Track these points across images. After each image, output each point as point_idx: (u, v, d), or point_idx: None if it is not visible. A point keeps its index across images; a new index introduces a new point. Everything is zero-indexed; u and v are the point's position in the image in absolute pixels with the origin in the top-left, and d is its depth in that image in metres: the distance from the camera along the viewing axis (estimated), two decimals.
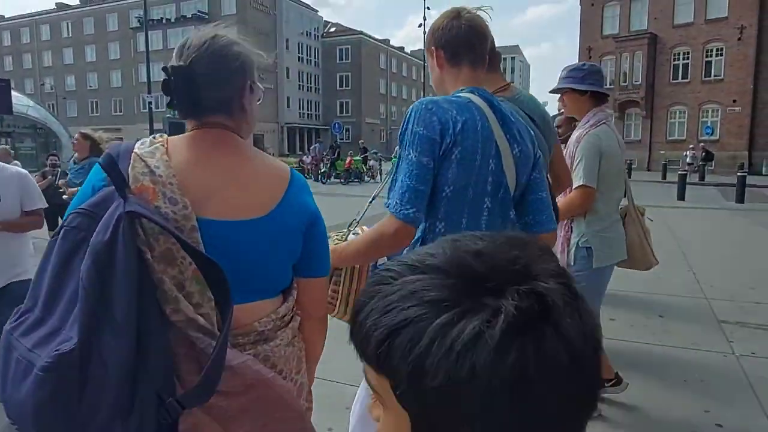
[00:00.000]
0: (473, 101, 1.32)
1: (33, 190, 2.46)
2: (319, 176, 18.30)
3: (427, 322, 0.35)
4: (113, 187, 0.86)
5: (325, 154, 19.69)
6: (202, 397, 0.81)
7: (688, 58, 24.36)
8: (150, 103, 20.02)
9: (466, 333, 0.34)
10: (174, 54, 0.97)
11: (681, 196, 11.85)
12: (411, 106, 1.31)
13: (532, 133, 1.47)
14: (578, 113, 2.40)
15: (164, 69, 0.95)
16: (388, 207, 1.26)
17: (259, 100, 1.05)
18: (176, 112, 0.98)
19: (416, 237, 1.30)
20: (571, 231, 2.33)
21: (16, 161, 6.42)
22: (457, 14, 1.37)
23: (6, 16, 51.83)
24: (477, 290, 0.36)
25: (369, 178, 18.85)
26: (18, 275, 2.37)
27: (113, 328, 0.77)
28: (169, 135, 0.99)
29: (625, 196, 2.49)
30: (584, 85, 2.31)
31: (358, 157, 19.32)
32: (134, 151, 0.91)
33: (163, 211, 0.85)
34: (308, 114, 48.36)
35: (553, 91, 2.45)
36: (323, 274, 1.07)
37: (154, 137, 0.96)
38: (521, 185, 1.39)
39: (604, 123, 2.31)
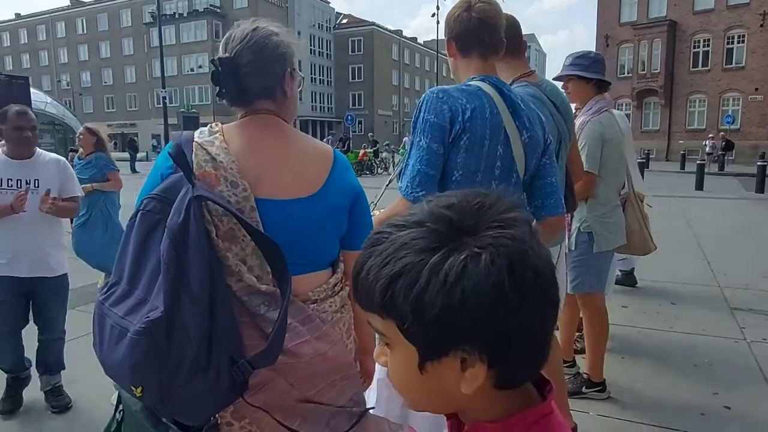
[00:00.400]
0: (483, 89, 1.37)
1: (71, 178, 2.49)
2: None
3: (421, 265, 0.43)
4: (180, 173, 0.97)
5: (336, 147, 19.77)
6: (268, 359, 0.93)
7: (708, 46, 23.76)
8: (164, 98, 20.22)
9: (455, 267, 0.42)
10: (220, 47, 1.06)
11: (699, 186, 11.68)
12: (423, 95, 1.38)
13: (544, 119, 1.51)
14: (581, 100, 2.45)
15: (212, 61, 1.05)
16: (399, 190, 1.34)
17: (300, 86, 1.14)
18: (225, 100, 1.07)
19: None
20: (572, 216, 2.37)
21: None
22: (468, 5, 1.40)
23: (22, 14, 52.74)
24: (456, 233, 0.44)
25: (382, 170, 18.92)
26: (53, 270, 2.36)
27: (191, 297, 0.89)
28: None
29: (625, 183, 2.52)
30: (589, 73, 2.35)
31: (369, 150, 19.39)
32: (195, 140, 1.01)
33: (225, 195, 0.96)
34: (321, 106, 48.34)
35: (556, 78, 2.49)
36: None
37: (211, 126, 1.06)
38: (531, 170, 1.44)
39: (606, 110, 2.37)
